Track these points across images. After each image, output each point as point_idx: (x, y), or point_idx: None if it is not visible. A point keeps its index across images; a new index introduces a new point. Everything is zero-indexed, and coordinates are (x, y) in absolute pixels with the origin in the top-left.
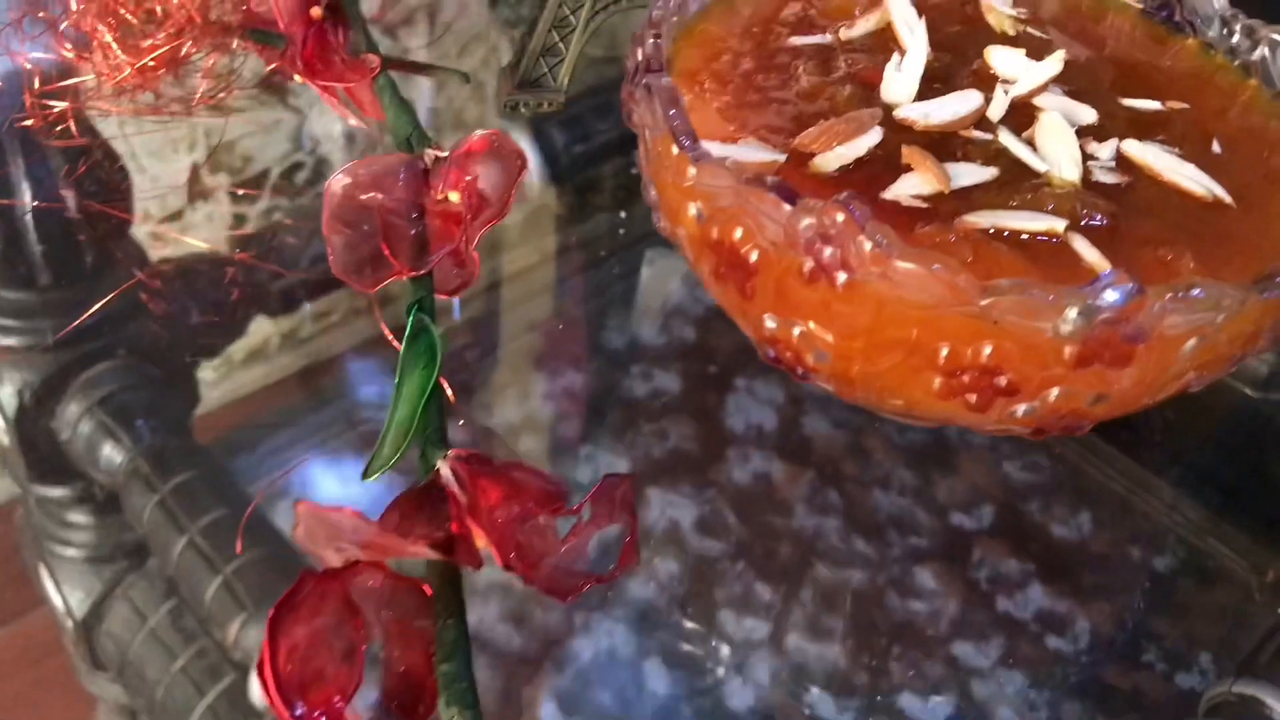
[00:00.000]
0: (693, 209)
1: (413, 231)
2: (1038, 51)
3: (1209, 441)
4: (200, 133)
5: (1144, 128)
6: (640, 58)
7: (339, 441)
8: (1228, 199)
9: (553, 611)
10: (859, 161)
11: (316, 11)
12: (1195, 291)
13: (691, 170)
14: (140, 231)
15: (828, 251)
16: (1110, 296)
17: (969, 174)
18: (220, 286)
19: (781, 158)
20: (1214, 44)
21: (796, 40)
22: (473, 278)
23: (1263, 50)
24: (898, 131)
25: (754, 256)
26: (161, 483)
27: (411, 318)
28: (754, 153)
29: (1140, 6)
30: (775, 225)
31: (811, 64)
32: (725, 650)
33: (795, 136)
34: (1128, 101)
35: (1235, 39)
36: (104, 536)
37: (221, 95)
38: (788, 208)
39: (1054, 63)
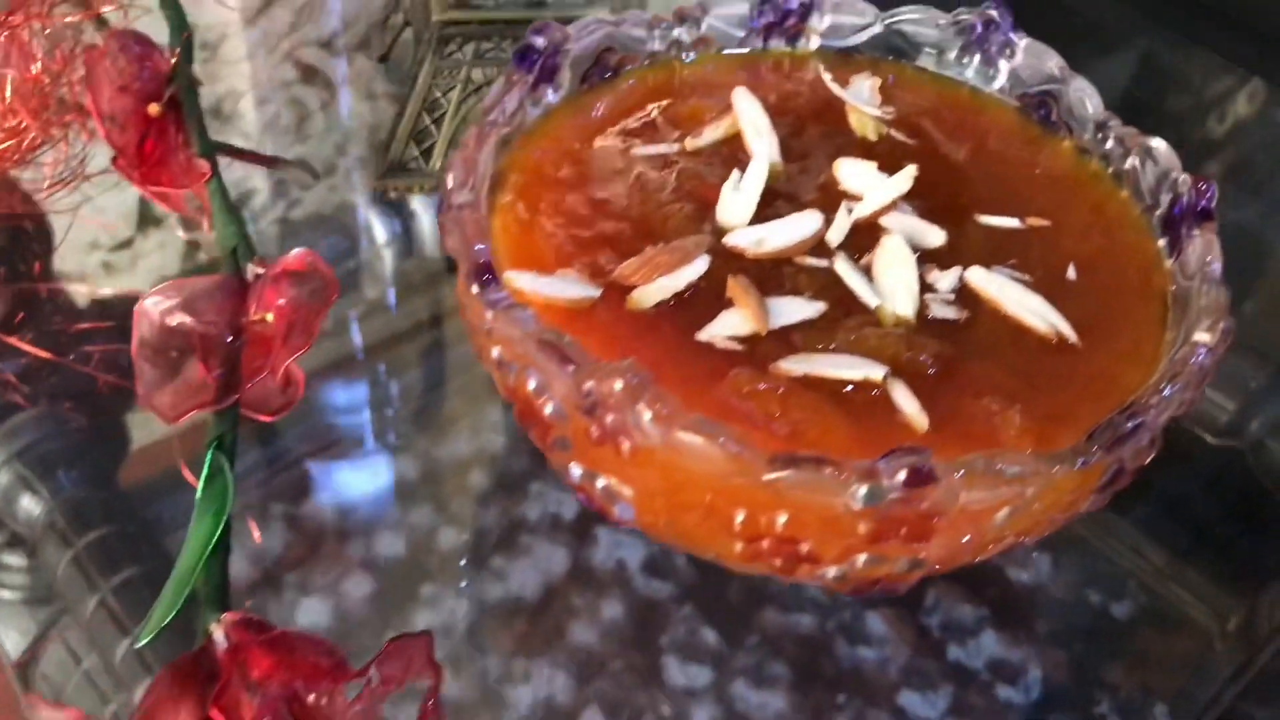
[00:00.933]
0: (494, 351)
1: (227, 356)
2: (897, 160)
3: (1171, 487)
4: None
5: (997, 250)
6: (452, 183)
7: (286, 477)
8: (1073, 337)
9: (490, 657)
10: (682, 295)
11: (154, 109)
12: (994, 466)
13: (488, 314)
14: (91, 260)
15: (609, 417)
16: (898, 476)
17: (793, 310)
18: None
19: (595, 294)
20: (1089, 149)
21: (640, 150)
22: (297, 398)
23: (1134, 160)
24: (728, 259)
25: (548, 409)
26: (77, 537)
27: (210, 457)
28: (568, 287)
29: (1017, 105)
30: (563, 384)
31: (652, 178)
32: (666, 698)
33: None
34: (985, 219)
35: (1109, 145)
36: (38, 579)
37: (74, 181)
38: (570, 369)
39: (903, 179)
